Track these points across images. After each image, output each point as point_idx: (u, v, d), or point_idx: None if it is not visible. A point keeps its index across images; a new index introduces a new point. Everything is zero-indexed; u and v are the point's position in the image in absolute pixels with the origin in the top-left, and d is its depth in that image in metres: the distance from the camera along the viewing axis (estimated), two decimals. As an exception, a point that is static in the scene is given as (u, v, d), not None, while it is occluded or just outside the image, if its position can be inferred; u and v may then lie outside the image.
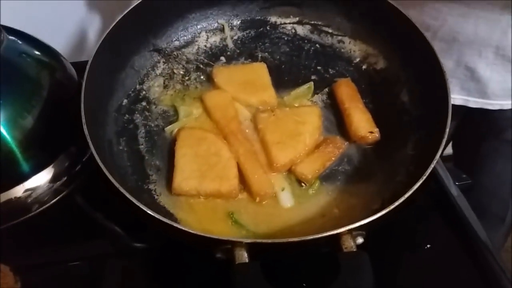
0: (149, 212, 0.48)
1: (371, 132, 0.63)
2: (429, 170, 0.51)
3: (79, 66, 0.62)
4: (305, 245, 0.46)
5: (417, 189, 0.50)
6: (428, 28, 0.78)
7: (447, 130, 0.53)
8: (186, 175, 0.60)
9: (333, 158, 0.62)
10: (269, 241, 0.46)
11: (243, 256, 0.45)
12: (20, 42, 0.59)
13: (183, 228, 0.47)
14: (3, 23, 0.58)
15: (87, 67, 0.60)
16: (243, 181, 0.61)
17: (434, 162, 0.51)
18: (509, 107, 0.84)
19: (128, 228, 0.59)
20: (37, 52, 0.60)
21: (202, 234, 0.47)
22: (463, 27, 0.76)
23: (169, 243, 0.59)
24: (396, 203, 0.49)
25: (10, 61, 0.56)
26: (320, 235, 0.46)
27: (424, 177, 0.50)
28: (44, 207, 0.57)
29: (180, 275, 0.58)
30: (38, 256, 0.57)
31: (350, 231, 0.47)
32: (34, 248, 0.57)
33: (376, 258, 0.45)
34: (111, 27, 0.65)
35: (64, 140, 0.59)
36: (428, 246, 0.62)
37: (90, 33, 0.85)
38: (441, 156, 1.02)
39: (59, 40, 0.64)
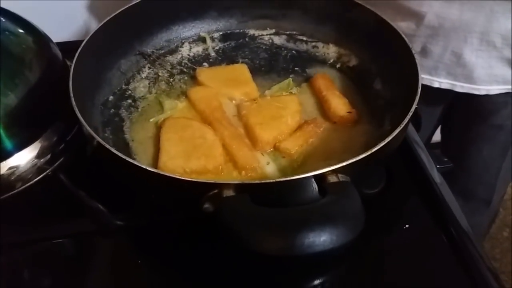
0: (135, 163, 0.48)
1: (349, 112, 0.66)
2: (406, 120, 0.54)
3: (64, 46, 0.65)
4: (291, 185, 0.47)
5: (397, 139, 0.53)
6: (415, 14, 0.82)
7: (420, 85, 0.57)
8: (171, 155, 0.61)
9: (315, 136, 0.64)
10: (257, 181, 0.46)
11: (230, 193, 0.45)
12: (3, 20, 0.60)
13: (171, 175, 0.47)
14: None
15: (73, 63, 0.61)
16: (230, 160, 0.61)
17: (410, 114, 0.54)
18: (495, 92, 0.86)
19: (111, 207, 0.58)
20: (20, 30, 0.61)
21: (188, 179, 0.47)
22: (448, 13, 0.78)
23: (152, 222, 0.59)
24: (378, 147, 0.50)
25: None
26: (305, 175, 0.47)
27: (402, 125, 0.53)
28: (28, 184, 0.56)
29: (162, 253, 0.57)
30: (22, 233, 0.56)
31: (334, 171, 0.48)
32: (18, 225, 0.56)
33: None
34: (95, 29, 0.68)
35: (48, 119, 0.59)
36: (407, 226, 0.62)
37: (75, 13, 0.86)
38: (428, 142, 1.03)
39: (43, 19, 0.65)
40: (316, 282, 0.55)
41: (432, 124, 1.03)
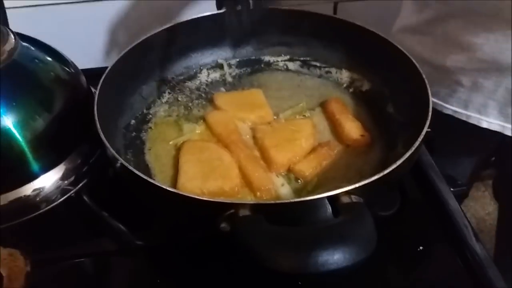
0: (156, 183, 0.51)
1: (362, 135, 0.68)
2: (417, 144, 0.55)
3: (89, 72, 0.68)
4: (305, 206, 0.48)
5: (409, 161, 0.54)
6: (468, 47, 0.76)
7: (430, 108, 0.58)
8: (189, 176, 0.63)
9: (328, 158, 0.66)
10: (272, 202, 0.48)
11: (246, 213, 0.47)
12: (33, 49, 0.64)
13: (190, 195, 0.49)
14: (17, 30, 0.63)
15: (97, 89, 0.65)
16: (245, 182, 0.63)
17: (421, 137, 0.56)
18: None
19: (131, 227, 0.60)
20: (48, 58, 0.65)
21: (207, 198, 0.49)
22: (505, 47, 0.72)
23: (170, 241, 0.61)
24: (390, 169, 0.51)
25: (23, 66, 0.60)
26: (319, 196, 0.48)
27: (413, 148, 0.54)
28: (52, 205, 0.59)
29: (180, 272, 0.59)
30: (47, 252, 0.58)
31: (347, 192, 0.49)
32: (42, 244, 0.58)
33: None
34: (118, 57, 0.71)
35: (73, 142, 0.62)
36: (421, 248, 0.62)
37: (99, 41, 0.91)
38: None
39: (69, 47, 0.69)
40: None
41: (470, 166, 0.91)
